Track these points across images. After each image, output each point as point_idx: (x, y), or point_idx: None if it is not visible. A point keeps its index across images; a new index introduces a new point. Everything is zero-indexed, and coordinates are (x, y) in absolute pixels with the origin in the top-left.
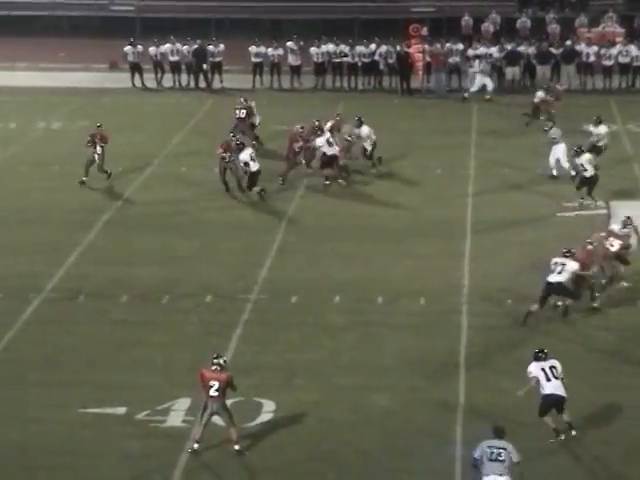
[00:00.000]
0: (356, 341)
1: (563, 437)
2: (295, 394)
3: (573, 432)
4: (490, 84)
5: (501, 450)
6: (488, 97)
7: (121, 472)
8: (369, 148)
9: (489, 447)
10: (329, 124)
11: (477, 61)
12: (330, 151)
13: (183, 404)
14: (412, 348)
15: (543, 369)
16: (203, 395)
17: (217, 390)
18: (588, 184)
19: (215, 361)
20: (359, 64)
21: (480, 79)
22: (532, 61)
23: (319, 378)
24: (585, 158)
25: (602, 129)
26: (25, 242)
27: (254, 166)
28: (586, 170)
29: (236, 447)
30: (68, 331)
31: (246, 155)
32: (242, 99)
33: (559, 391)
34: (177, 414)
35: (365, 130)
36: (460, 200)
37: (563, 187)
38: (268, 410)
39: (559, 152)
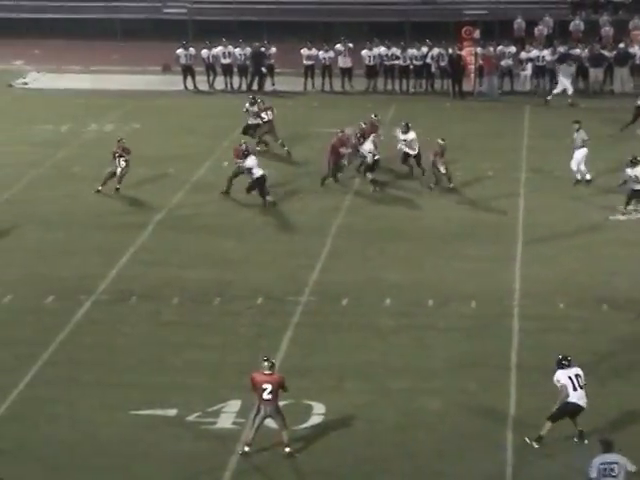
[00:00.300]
0: (406, 344)
1: (536, 445)
2: (345, 397)
3: (585, 441)
4: (570, 88)
5: (613, 465)
6: (570, 101)
7: (171, 474)
8: (411, 153)
9: (602, 464)
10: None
11: (529, 64)
12: (378, 155)
13: (233, 406)
14: (463, 351)
15: (570, 377)
16: (255, 398)
17: (270, 393)
18: (638, 197)
19: (265, 364)
20: (411, 67)
21: (563, 82)
22: (585, 64)
23: (369, 381)
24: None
25: None
26: (77, 244)
27: (258, 172)
28: (638, 182)
29: (287, 450)
30: (120, 333)
31: (251, 161)
32: (259, 100)
33: (581, 402)
34: (227, 416)
35: (411, 136)
36: (512, 203)
37: (615, 191)
38: (318, 412)
39: (579, 155)
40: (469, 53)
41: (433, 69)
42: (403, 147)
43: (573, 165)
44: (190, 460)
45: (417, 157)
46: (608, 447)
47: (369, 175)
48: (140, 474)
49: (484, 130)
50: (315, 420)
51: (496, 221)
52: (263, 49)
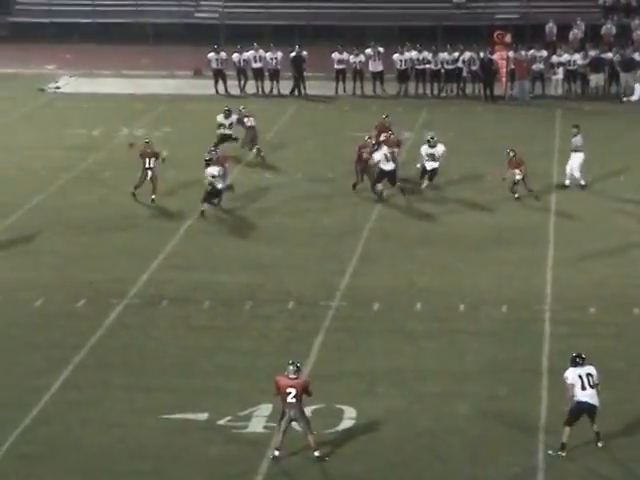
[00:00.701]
0: (438, 348)
1: (564, 454)
2: (377, 401)
3: (599, 444)
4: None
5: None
6: None
7: (203, 478)
8: (429, 167)
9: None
10: (376, 133)
11: (561, 68)
12: (387, 166)
13: (265, 410)
14: (494, 356)
15: (580, 376)
16: (280, 402)
17: (295, 397)
18: None
19: (291, 367)
20: (442, 71)
21: (637, 88)
22: (616, 68)
23: (401, 385)
24: None
25: None
26: (108, 248)
27: (219, 183)
28: None
29: (316, 453)
30: (151, 336)
31: (213, 170)
32: (242, 108)
33: (593, 400)
34: (258, 420)
35: (440, 150)
36: (543, 207)
37: None
38: (350, 417)
39: (576, 160)
40: (501, 57)
41: (465, 73)
42: (426, 163)
43: (567, 169)
44: (221, 464)
45: (433, 171)
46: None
47: (377, 187)
48: (172, 478)
49: (516, 134)
50: (346, 424)
51: (527, 225)
52: (293, 53)
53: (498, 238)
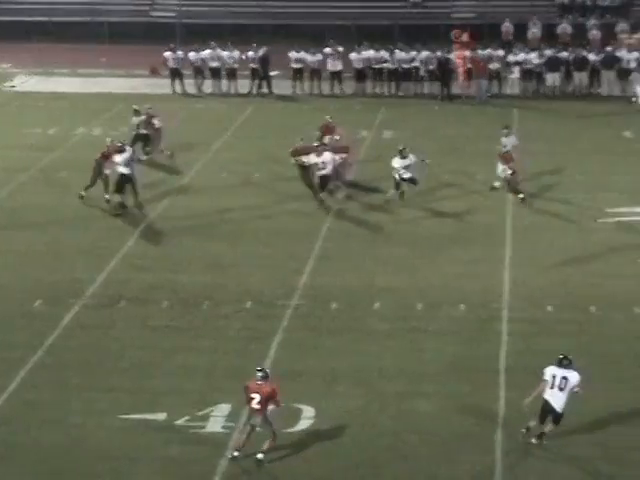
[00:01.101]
0: (397, 347)
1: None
2: (336, 400)
3: (534, 440)
4: None
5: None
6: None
7: (162, 478)
8: (405, 177)
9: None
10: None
11: (517, 67)
12: (322, 172)
13: (223, 410)
14: (453, 354)
15: (554, 376)
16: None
17: (259, 403)
18: None
19: (258, 374)
20: (400, 70)
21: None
22: (570, 67)
23: (361, 384)
24: None
25: None
26: (65, 248)
27: (125, 170)
28: None
29: (258, 456)
30: (109, 336)
31: (120, 158)
32: (149, 108)
33: (555, 403)
34: (217, 420)
35: (412, 159)
36: (500, 206)
37: (603, 193)
38: (308, 416)
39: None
40: (458, 56)
41: (422, 72)
42: (402, 174)
43: (499, 171)
44: (180, 464)
45: (412, 180)
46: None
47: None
48: (131, 479)
49: (473, 133)
50: (304, 424)
51: (485, 224)
52: (250, 52)
53: (457, 237)
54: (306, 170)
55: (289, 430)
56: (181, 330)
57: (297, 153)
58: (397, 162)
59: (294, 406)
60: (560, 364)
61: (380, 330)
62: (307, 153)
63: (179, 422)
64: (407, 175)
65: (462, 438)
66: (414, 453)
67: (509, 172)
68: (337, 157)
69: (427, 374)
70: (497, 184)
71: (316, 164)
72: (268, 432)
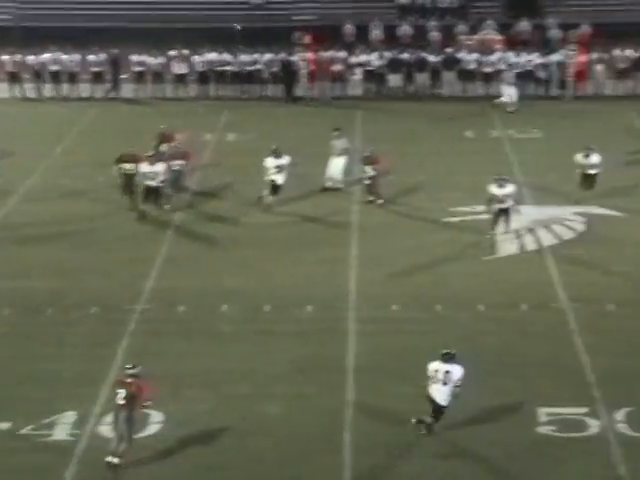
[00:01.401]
0: (245, 350)
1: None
2: (184, 404)
3: (421, 430)
4: (514, 95)
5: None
6: (511, 109)
7: None
8: (279, 182)
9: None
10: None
11: (359, 69)
12: (150, 183)
13: (69, 417)
14: (301, 355)
15: (437, 370)
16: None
17: (124, 399)
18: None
19: (128, 371)
20: (243, 72)
21: (505, 89)
22: (411, 69)
23: (208, 388)
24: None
25: None
26: None
27: None
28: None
29: (108, 458)
30: None
31: None
32: None
33: (437, 397)
34: (63, 428)
35: (286, 160)
36: (346, 206)
37: (447, 193)
38: (156, 421)
39: (337, 163)
40: (300, 58)
41: (265, 75)
42: (274, 176)
43: (330, 171)
44: (26, 473)
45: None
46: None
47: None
48: None
49: (317, 135)
50: (153, 429)
51: (332, 225)
52: (92, 56)
53: (303, 238)
54: (129, 179)
55: (138, 435)
56: (23, 337)
57: (121, 160)
58: (270, 162)
59: (142, 411)
60: (443, 359)
61: (227, 332)
62: (135, 161)
63: (24, 431)
64: (279, 179)
65: (311, 439)
66: (263, 455)
67: (371, 174)
68: (176, 164)
69: (275, 376)
70: (329, 184)
71: (144, 173)
72: (125, 432)
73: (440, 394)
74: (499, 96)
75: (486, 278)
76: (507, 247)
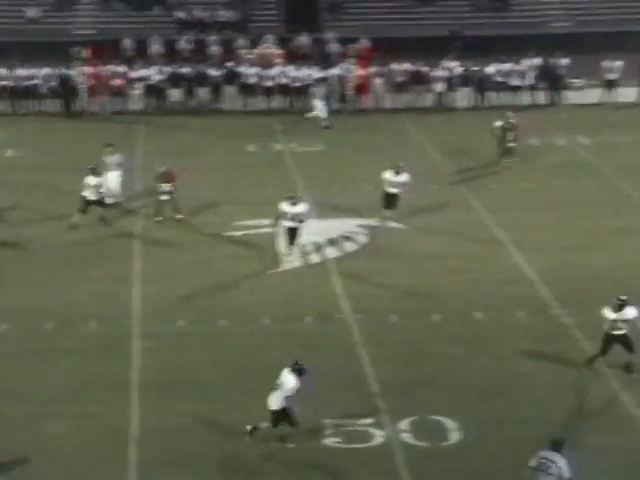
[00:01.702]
0: (25, 369)
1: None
2: None
3: (246, 436)
4: (324, 110)
5: (550, 463)
6: (324, 124)
7: None
8: (91, 199)
9: (542, 458)
10: None
11: (140, 83)
12: None
13: None
14: (84, 374)
15: (279, 379)
16: None
17: None
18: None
19: None
20: (20, 87)
21: (316, 104)
22: (192, 83)
23: None
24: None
25: None
26: None
27: None
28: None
29: None
30: None
31: None
32: None
33: (271, 403)
34: None
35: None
36: (130, 223)
37: (231, 207)
38: None
39: (116, 179)
40: (79, 73)
41: (44, 90)
42: (89, 196)
43: (109, 187)
44: None
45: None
46: (556, 446)
47: None
48: None
49: (99, 149)
50: None
51: (116, 241)
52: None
53: (88, 255)
54: None
55: None
56: None
57: None
58: (91, 180)
59: None
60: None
61: (7, 352)
62: None
63: None
64: (94, 197)
65: (96, 458)
66: (48, 476)
67: (168, 189)
68: None
69: (57, 395)
70: (110, 200)
71: None
72: None
73: (273, 399)
74: (310, 110)
75: (271, 292)
76: (292, 261)
